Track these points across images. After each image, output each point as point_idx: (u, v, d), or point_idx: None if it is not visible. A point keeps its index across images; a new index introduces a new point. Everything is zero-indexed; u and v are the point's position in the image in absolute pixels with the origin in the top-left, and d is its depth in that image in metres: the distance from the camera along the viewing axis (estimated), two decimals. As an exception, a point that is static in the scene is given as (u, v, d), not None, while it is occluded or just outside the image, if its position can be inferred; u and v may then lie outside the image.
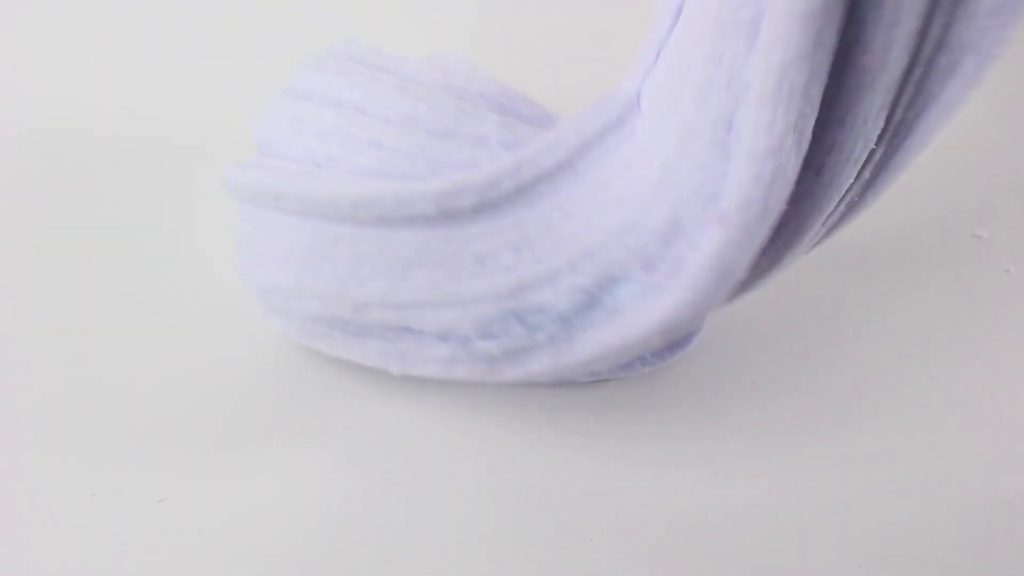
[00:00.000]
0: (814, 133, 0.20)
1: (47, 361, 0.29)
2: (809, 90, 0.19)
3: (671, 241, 0.22)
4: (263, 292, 0.27)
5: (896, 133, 0.22)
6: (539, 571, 0.24)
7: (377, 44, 0.29)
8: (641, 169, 0.22)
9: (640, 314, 0.23)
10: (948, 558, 0.25)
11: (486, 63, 0.28)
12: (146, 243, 0.33)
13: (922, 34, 0.20)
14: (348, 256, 0.25)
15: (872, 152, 0.21)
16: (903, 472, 0.26)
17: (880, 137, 0.21)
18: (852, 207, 0.23)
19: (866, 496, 0.26)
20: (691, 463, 0.26)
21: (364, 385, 0.28)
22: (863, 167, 0.22)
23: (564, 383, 0.28)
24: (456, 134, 0.25)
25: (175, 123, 0.38)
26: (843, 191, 0.22)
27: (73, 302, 0.31)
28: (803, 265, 0.28)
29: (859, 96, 0.20)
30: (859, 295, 0.30)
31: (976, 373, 0.28)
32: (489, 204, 0.23)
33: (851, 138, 0.21)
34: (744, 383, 0.28)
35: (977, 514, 0.26)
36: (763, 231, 0.20)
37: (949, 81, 0.21)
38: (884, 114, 0.21)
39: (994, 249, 0.31)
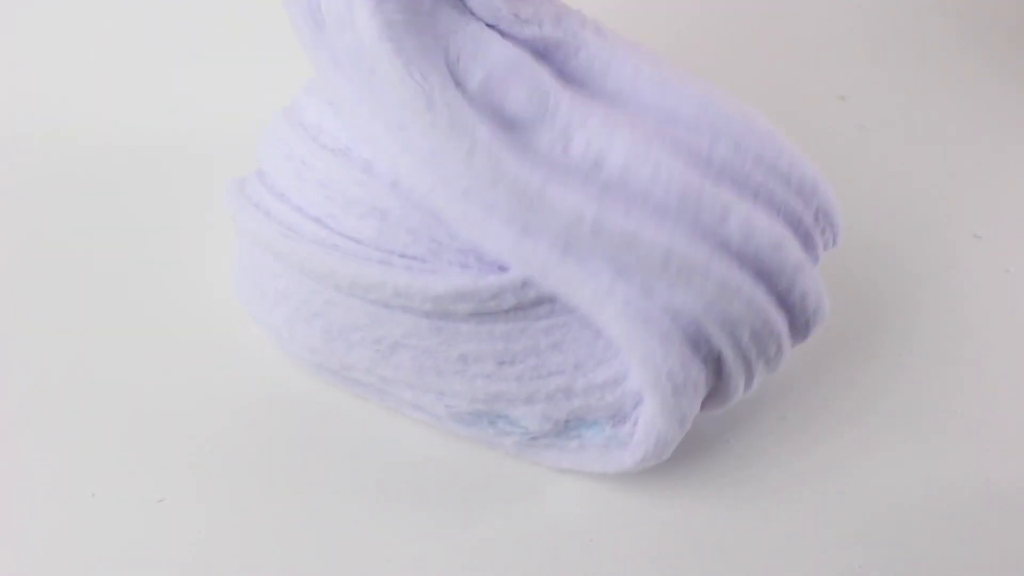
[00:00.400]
0: None
1: (48, 362, 0.29)
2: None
3: (640, 405, 0.24)
4: (259, 321, 0.27)
5: None
6: (539, 571, 0.24)
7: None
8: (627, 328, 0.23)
9: (602, 458, 0.25)
10: (948, 558, 0.25)
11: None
12: (150, 245, 0.33)
13: None
14: (339, 320, 0.25)
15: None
16: (903, 472, 0.26)
17: None
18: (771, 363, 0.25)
19: (866, 496, 0.26)
20: (691, 462, 0.26)
21: (364, 385, 0.28)
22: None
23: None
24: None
25: (185, 130, 0.38)
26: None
27: (75, 303, 0.31)
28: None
29: None
30: (859, 295, 0.30)
31: (976, 373, 0.28)
32: (486, 313, 0.24)
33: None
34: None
35: (977, 514, 0.26)
36: (691, 409, 0.24)
37: None
38: None
39: (994, 249, 0.31)
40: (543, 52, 0.24)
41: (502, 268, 0.23)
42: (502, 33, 0.23)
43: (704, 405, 0.25)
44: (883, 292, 0.30)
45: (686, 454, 0.26)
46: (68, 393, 0.28)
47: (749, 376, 0.25)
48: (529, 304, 0.24)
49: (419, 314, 0.24)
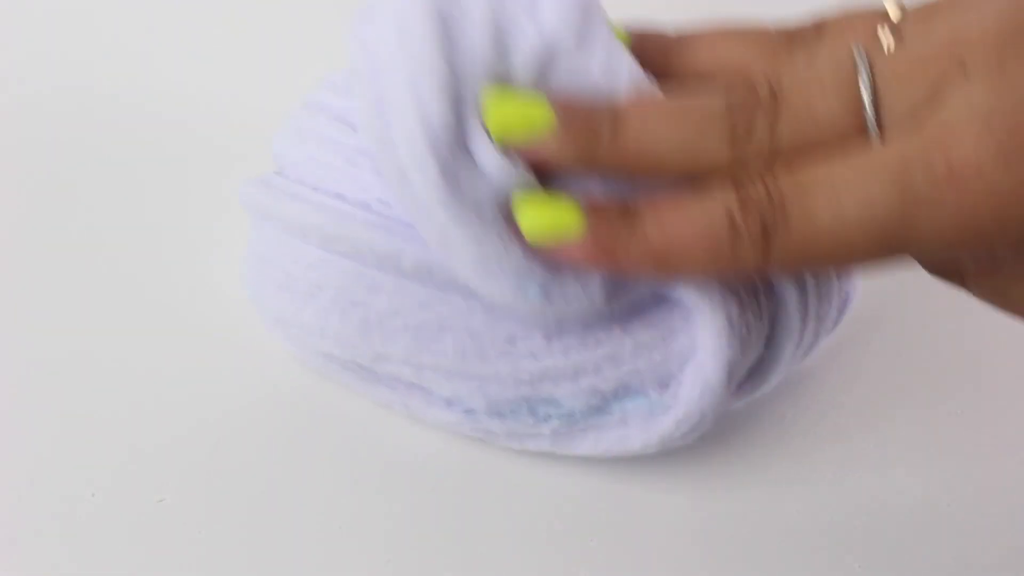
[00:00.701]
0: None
1: (49, 362, 0.28)
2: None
3: (685, 366, 0.24)
4: (277, 319, 0.27)
5: None
6: (541, 570, 0.24)
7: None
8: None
9: (644, 428, 0.25)
10: (948, 558, 0.25)
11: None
12: (155, 245, 0.33)
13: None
14: (383, 305, 0.24)
15: None
16: (903, 472, 0.26)
17: None
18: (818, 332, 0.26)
19: (866, 495, 0.26)
20: (692, 463, 0.26)
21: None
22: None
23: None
24: None
25: (200, 128, 0.38)
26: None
27: (76, 303, 0.31)
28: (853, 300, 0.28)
29: None
30: (859, 295, 0.30)
31: (976, 373, 0.28)
32: None
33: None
34: (744, 383, 0.28)
35: (977, 514, 0.26)
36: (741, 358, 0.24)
37: None
38: None
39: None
40: None
41: None
42: None
43: (748, 377, 0.25)
44: (883, 292, 0.30)
45: (686, 454, 0.26)
46: (68, 393, 0.28)
47: (802, 331, 0.25)
48: None
49: (474, 294, 0.24)
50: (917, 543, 0.25)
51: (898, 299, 0.30)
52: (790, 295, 0.24)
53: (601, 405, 0.25)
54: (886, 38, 0.21)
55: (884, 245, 0.20)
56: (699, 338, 0.23)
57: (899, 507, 0.26)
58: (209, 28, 0.43)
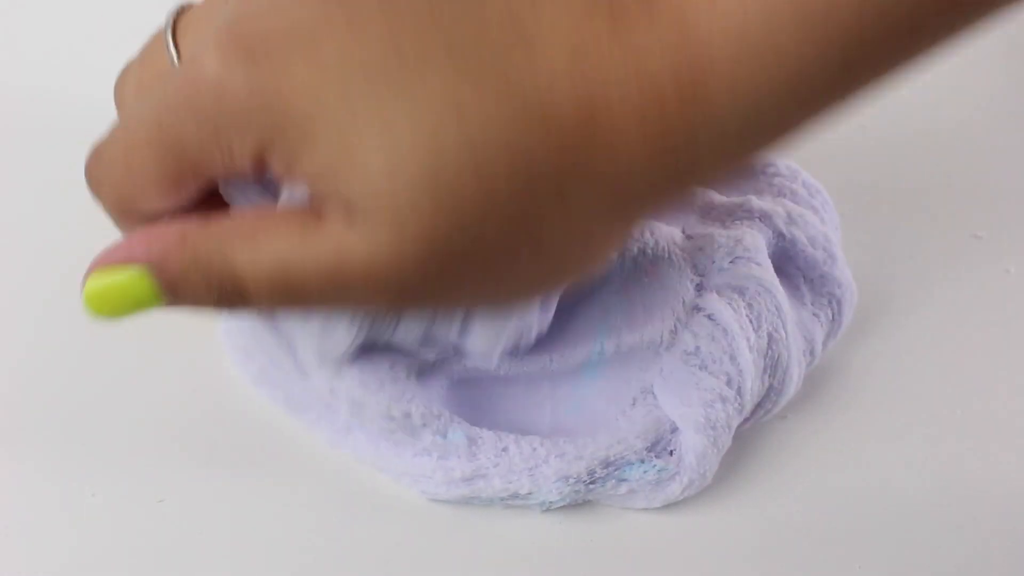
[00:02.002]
0: None
1: (49, 362, 0.28)
2: None
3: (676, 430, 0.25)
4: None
5: None
6: (539, 571, 0.24)
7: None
8: None
9: (649, 497, 0.25)
10: (948, 558, 0.25)
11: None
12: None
13: None
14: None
15: None
16: (903, 472, 0.26)
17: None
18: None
19: (866, 495, 0.26)
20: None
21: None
22: None
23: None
24: None
25: None
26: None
27: (76, 302, 0.31)
28: (852, 299, 0.28)
29: None
30: (859, 295, 0.30)
31: (976, 373, 0.28)
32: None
33: None
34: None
35: (977, 514, 0.25)
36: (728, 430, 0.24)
37: None
38: None
39: (994, 249, 0.31)
40: None
41: None
42: None
43: (759, 405, 0.26)
44: (883, 292, 0.30)
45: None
46: (69, 393, 0.28)
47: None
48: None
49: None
50: (917, 543, 0.25)
51: (898, 300, 0.30)
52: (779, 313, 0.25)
53: (592, 481, 0.25)
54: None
55: None
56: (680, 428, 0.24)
57: (899, 507, 0.26)
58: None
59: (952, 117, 0.35)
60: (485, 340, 0.23)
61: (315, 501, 0.25)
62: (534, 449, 0.24)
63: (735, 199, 0.26)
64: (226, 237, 0.20)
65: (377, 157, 0.18)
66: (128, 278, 0.21)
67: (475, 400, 0.25)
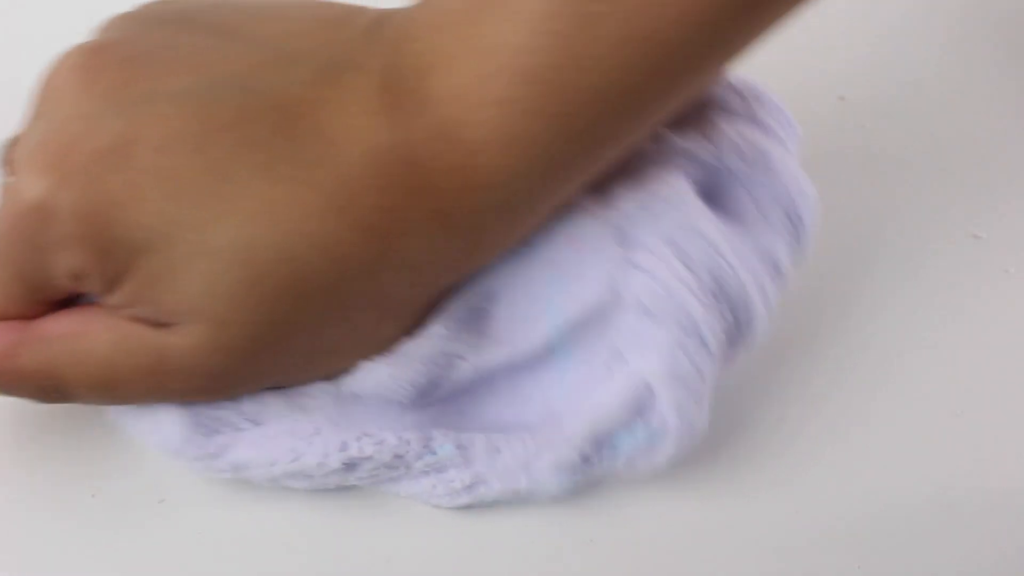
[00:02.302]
0: None
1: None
2: None
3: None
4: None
5: None
6: (539, 571, 0.24)
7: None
8: None
9: (648, 461, 0.25)
10: (948, 558, 0.25)
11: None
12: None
13: None
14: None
15: None
16: (903, 472, 0.26)
17: None
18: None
19: (866, 496, 0.26)
20: (691, 463, 0.26)
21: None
22: None
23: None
24: None
25: None
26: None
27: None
28: (804, 265, 0.28)
29: None
30: (859, 295, 0.30)
31: (976, 373, 0.28)
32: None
33: None
34: (745, 384, 0.28)
35: (977, 514, 0.26)
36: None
37: None
38: None
39: (994, 249, 0.31)
40: None
41: None
42: None
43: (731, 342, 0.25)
44: (883, 292, 0.30)
45: (686, 454, 0.26)
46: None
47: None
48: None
49: None
50: (917, 543, 0.25)
51: (898, 300, 0.30)
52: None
53: (591, 456, 0.24)
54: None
55: None
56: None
57: (899, 507, 0.26)
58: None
59: (952, 117, 0.35)
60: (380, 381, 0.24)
61: (315, 501, 0.25)
62: (524, 444, 0.24)
63: (651, 146, 0.25)
64: (52, 341, 0.22)
65: (197, 280, 0.20)
66: None
67: (461, 408, 0.25)
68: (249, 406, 0.24)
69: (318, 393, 0.24)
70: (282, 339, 0.21)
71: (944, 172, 0.33)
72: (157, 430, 0.24)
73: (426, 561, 0.24)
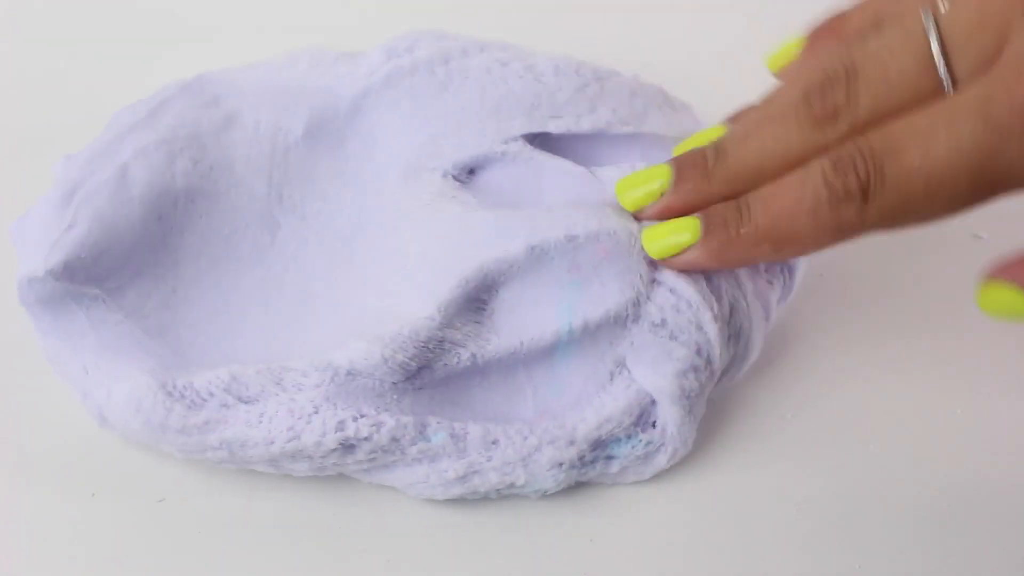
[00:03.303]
0: None
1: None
2: None
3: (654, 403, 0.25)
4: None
5: None
6: (539, 571, 0.24)
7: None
8: None
9: (638, 471, 0.25)
10: (948, 558, 0.25)
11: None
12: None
13: None
14: None
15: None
16: (903, 472, 0.26)
17: None
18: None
19: (866, 494, 0.26)
20: (691, 462, 0.26)
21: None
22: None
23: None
24: None
25: None
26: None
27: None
28: (804, 265, 0.28)
29: None
30: (859, 295, 0.30)
31: (976, 373, 0.28)
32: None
33: None
34: (745, 384, 0.28)
35: (977, 514, 0.25)
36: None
37: None
38: None
39: (994, 249, 0.31)
40: None
41: None
42: None
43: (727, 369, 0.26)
44: (883, 292, 0.30)
45: (686, 454, 0.26)
46: (69, 393, 0.28)
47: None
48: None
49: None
50: (917, 543, 0.25)
51: (898, 300, 0.30)
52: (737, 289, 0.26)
53: (584, 461, 0.25)
54: (941, 2, 0.22)
55: (978, 183, 0.20)
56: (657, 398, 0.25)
57: (899, 507, 0.26)
58: (213, 26, 0.43)
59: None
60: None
61: (314, 501, 0.25)
62: (525, 438, 0.24)
63: None
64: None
65: None
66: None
67: (453, 397, 0.25)
68: (228, 380, 0.24)
69: (311, 371, 0.24)
70: None
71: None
72: (120, 390, 0.24)
73: (425, 559, 0.24)
